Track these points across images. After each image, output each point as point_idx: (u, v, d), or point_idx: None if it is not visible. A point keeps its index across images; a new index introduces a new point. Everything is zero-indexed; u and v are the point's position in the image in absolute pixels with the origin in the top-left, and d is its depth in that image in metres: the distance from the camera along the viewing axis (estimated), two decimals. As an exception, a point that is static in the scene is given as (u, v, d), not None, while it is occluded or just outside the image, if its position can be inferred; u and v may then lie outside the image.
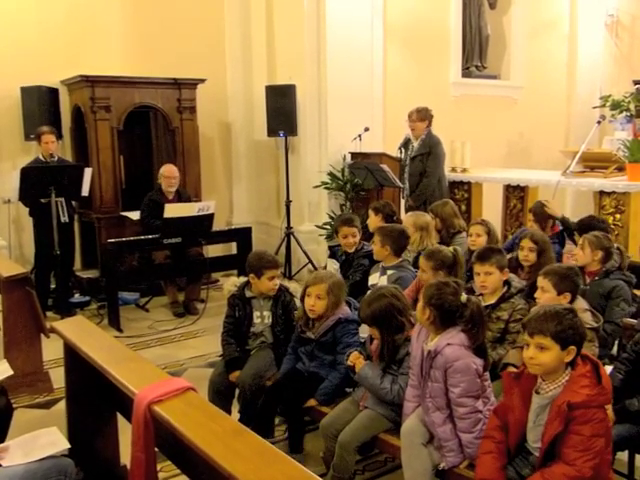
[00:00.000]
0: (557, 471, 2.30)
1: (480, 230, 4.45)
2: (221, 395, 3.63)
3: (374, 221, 4.97)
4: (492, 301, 3.36)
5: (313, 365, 3.44)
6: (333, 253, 4.80)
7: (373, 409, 3.04)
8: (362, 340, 3.43)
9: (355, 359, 3.13)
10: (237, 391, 3.64)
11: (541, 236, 4.13)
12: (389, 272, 4.05)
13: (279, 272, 3.79)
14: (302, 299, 3.47)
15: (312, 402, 3.30)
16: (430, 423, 2.75)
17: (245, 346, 3.74)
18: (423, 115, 6.31)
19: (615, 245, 3.94)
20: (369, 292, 3.45)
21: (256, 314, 3.73)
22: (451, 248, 3.84)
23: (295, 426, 3.44)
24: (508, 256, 4.34)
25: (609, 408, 2.55)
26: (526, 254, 4.00)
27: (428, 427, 2.77)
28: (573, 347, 2.36)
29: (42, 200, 5.79)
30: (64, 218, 5.81)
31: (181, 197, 6.40)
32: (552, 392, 2.40)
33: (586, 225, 4.41)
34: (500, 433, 2.54)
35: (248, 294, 3.75)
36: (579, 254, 3.89)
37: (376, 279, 4.08)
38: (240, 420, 3.50)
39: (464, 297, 2.74)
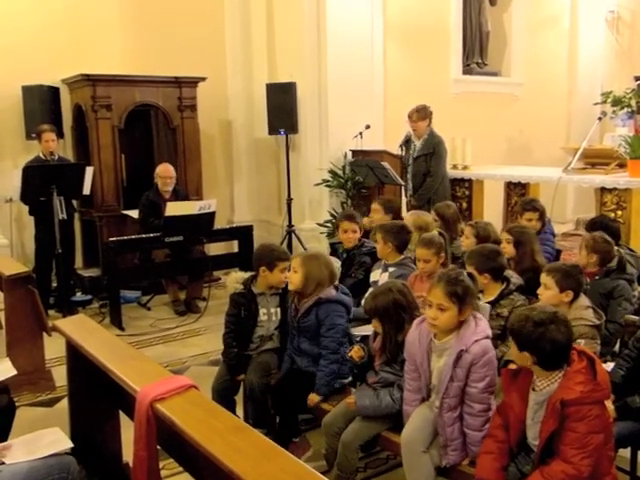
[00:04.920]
0: (556, 469, 2.29)
1: (468, 232, 4.34)
2: (225, 400, 3.52)
3: (383, 220, 4.90)
4: (491, 298, 3.35)
5: (305, 363, 3.41)
6: (334, 250, 4.80)
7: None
8: (357, 338, 3.44)
9: (355, 353, 3.13)
10: (243, 396, 3.61)
11: (519, 229, 4.09)
12: (391, 269, 4.04)
13: (289, 264, 3.74)
14: None
15: (313, 397, 3.28)
16: (441, 424, 2.71)
17: (248, 348, 3.65)
18: (423, 114, 6.30)
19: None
20: (377, 286, 3.43)
21: (262, 311, 3.63)
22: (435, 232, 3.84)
23: (287, 426, 3.43)
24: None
25: (609, 404, 2.55)
26: (504, 246, 3.94)
27: (435, 428, 2.73)
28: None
29: (41, 198, 5.76)
30: (62, 215, 5.75)
31: (178, 196, 6.38)
32: (547, 388, 2.40)
33: (598, 224, 4.36)
34: (502, 432, 2.53)
35: (255, 290, 3.65)
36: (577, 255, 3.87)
37: (378, 276, 4.07)
38: (253, 421, 3.46)
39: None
